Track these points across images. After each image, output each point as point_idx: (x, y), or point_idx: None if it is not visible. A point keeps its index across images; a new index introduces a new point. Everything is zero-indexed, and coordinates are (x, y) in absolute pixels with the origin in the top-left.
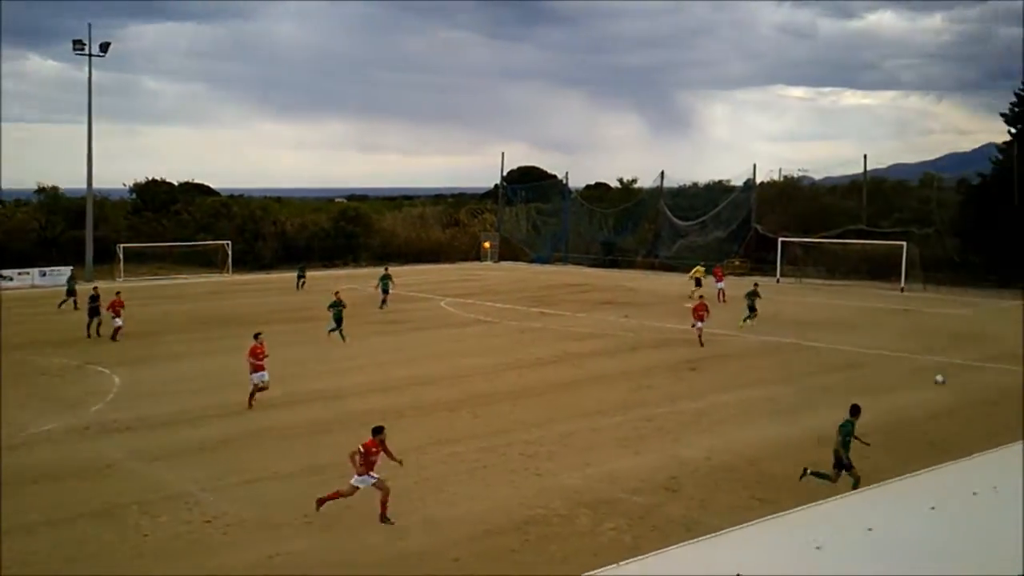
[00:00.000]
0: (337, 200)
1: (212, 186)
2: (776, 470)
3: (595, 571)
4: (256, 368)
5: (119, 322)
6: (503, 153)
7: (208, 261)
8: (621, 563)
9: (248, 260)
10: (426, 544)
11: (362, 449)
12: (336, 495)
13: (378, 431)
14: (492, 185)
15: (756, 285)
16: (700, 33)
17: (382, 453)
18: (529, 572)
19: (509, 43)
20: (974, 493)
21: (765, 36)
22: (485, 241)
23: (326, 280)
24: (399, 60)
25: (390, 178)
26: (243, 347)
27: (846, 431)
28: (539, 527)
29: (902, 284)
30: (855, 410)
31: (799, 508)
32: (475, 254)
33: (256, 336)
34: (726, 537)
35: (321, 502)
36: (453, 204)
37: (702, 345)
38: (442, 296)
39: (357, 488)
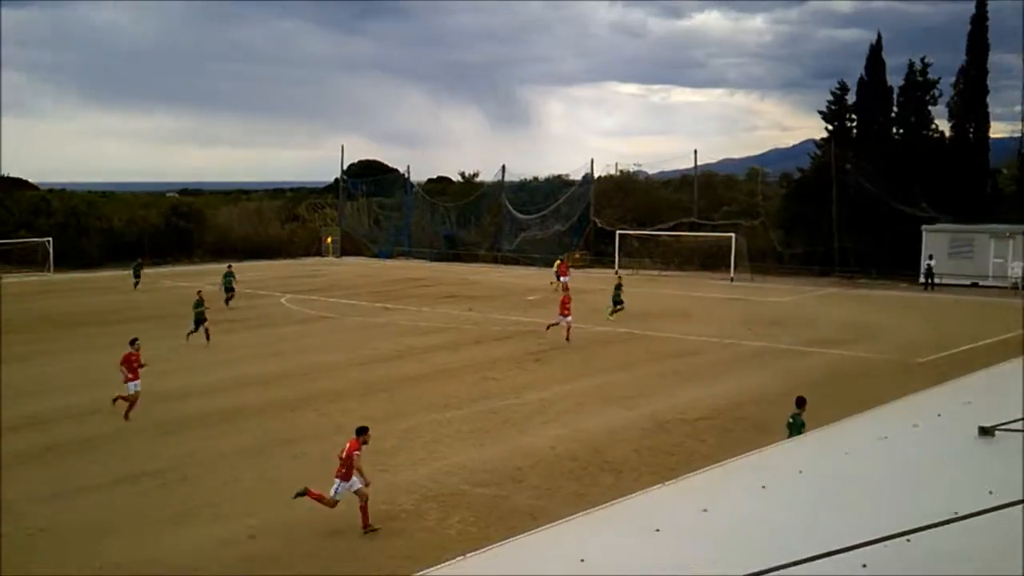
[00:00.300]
0: (169, 194)
1: (31, 180)
2: (618, 455)
3: (441, 565)
4: (130, 378)
5: None
6: (343, 146)
7: (27, 259)
8: (468, 554)
9: (72, 258)
10: (270, 546)
11: (344, 453)
12: (319, 498)
13: (361, 431)
14: (332, 179)
15: (620, 277)
16: (535, 30)
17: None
18: (376, 570)
19: (344, 35)
20: (800, 472)
21: (597, 34)
22: (327, 236)
23: (158, 278)
24: (232, 50)
25: (225, 172)
26: (65, 351)
27: (797, 427)
28: (385, 523)
29: (731, 274)
30: (800, 402)
31: (639, 492)
32: (316, 249)
33: (132, 343)
34: (570, 524)
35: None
36: (292, 198)
37: (568, 340)
38: (283, 292)
39: (337, 501)
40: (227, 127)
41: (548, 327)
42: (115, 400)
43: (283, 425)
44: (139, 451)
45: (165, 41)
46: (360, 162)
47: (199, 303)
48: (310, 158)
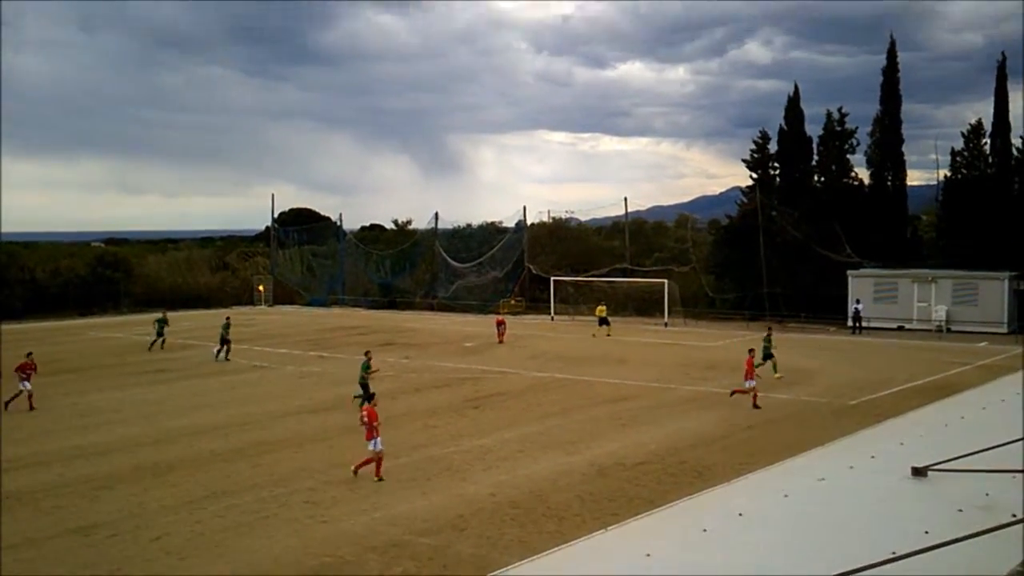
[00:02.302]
0: (94, 244)
1: None
2: (560, 501)
3: None
4: (375, 433)
5: (28, 386)
6: (273, 195)
7: None
8: None
9: None
10: None
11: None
12: None
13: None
14: (263, 227)
15: (770, 329)
16: (463, 79)
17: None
18: None
19: (269, 82)
20: (740, 514)
21: (525, 83)
22: (259, 284)
23: (84, 329)
24: (155, 97)
25: (152, 221)
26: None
27: None
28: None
29: (665, 319)
30: None
31: (582, 539)
32: (248, 298)
33: (371, 398)
34: (513, 572)
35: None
36: (222, 247)
37: (757, 407)
38: (214, 343)
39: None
40: (152, 175)
41: (732, 393)
42: (355, 470)
43: (217, 477)
44: (68, 507)
45: (85, 87)
46: (291, 210)
47: (366, 366)
48: (239, 206)
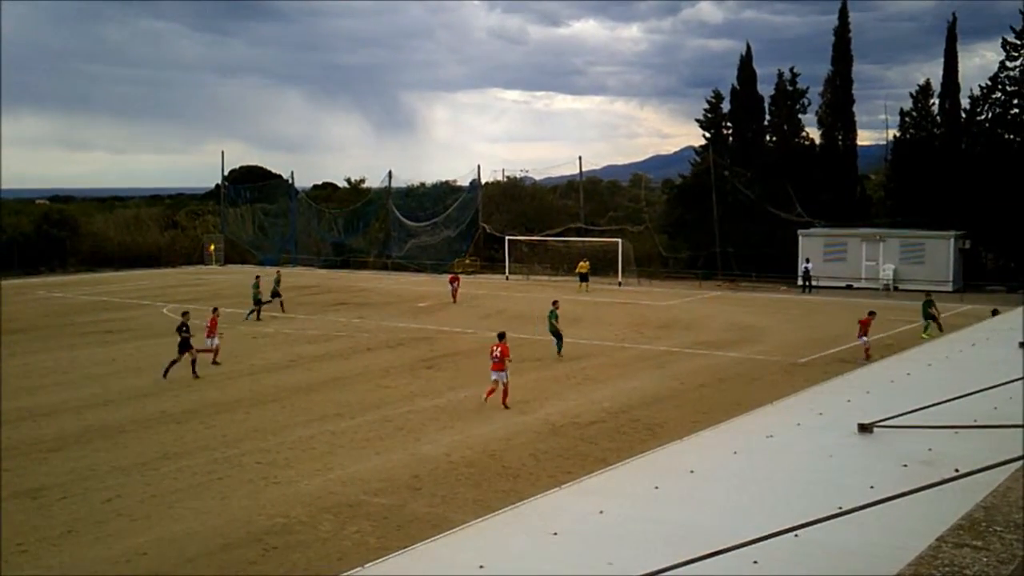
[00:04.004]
0: (39, 201)
1: None
2: (514, 460)
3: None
4: (502, 367)
5: (216, 342)
6: (223, 152)
7: None
8: (366, 565)
9: None
10: (158, 564)
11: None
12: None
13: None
14: (213, 185)
15: (928, 294)
16: (416, 35)
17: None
18: None
19: (218, 37)
20: (691, 471)
21: (479, 40)
22: (209, 244)
23: (31, 288)
24: (100, 52)
25: (98, 178)
26: None
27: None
28: (280, 536)
29: (619, 278)
30: None
31: (536, 497)
32: (198, 257)
33: (502, 336)
34: (468, 531)
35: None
36: (171, 205)
37: (868, 358)
38: (164, 302)
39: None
40: (98, 131)
41: (867, 355)
42: (505, 405)
43: (168, 439)
44: (16, 470)
45: (27, 41)
46: (241, 167)
47: (555, 314)
48: (188, 163)
